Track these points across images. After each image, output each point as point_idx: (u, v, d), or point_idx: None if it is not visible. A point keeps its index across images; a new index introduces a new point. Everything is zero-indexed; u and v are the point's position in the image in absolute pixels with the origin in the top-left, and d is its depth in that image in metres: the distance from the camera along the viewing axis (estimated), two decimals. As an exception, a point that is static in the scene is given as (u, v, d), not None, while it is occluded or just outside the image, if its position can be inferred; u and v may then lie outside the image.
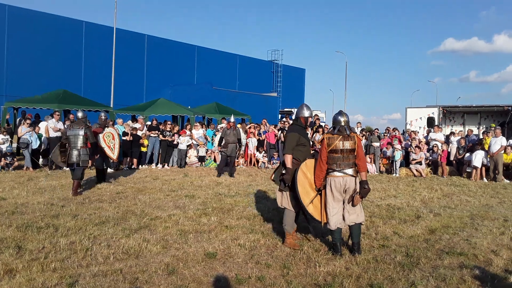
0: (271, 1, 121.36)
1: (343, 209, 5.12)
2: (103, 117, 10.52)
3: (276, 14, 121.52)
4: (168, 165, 14.36)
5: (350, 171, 5.04)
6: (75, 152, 8.82)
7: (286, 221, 5.43)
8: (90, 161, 10.23)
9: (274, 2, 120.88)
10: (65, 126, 13.17)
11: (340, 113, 5.23)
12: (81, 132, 8.90)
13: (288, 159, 5.32)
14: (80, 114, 9.37)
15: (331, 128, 5.32)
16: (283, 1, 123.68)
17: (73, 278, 4.12)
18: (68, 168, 12.41)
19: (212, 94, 35.73)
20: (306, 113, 5.61)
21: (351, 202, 5.06)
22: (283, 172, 5.34)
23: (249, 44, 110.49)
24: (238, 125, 17.15)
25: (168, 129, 14.53)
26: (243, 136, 15.86)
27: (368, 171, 10.12)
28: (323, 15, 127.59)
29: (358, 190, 5.03)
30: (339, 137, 5.04)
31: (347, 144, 5.01)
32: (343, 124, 5.11)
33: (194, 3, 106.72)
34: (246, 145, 15.94)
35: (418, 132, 16.78)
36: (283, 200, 5.45)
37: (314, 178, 5.21)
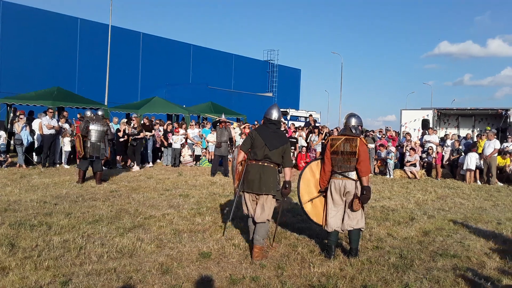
0: (268, 1, 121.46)
1: (344, 212, 5.02)
2: (88, 114, 10.37)
3: (273, 14, 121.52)
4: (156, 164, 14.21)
5: (351, 174, 4.91)
6: (94, 145, 9.67)
7: (262, 233, 4.91)
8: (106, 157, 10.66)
9: (270, 2, 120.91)
10: (59, 123, 13.10)
11: (351, 114, 5.10)
12: (104, 129, 9.85)
13: (290, 172, 5.02)
14: (100, 112, 10.24)
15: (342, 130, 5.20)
16: (280, 1, 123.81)
17: (67, 277, 4.09)
18: (67, 166, 12.45)
19: (207, 93, 35.67)
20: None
21: (351, 207, 4.94)
22: (287, 186, 4.98)
23: (245, 43, 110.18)
24: (236, 124, 17.17)
25: (132, 125, 13.47)
26: (237, 135, 15.86)
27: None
28: (319, 16, 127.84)
29: (358, 194, 4.91)
30: (342, 139, 4.93)
31: (347, 146, 4.88)
32: (352, 124, 4.99)
33: (190, 2, 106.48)
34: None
35: (411, 135, 16.81)
36: (271, 213, 5.03)
37: (319, 178, 5.14)
